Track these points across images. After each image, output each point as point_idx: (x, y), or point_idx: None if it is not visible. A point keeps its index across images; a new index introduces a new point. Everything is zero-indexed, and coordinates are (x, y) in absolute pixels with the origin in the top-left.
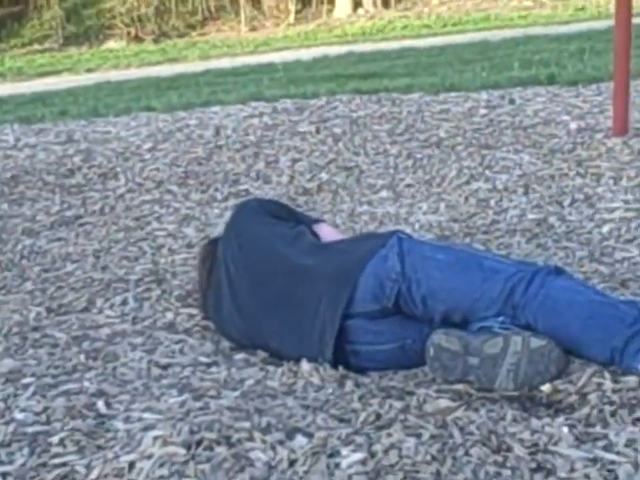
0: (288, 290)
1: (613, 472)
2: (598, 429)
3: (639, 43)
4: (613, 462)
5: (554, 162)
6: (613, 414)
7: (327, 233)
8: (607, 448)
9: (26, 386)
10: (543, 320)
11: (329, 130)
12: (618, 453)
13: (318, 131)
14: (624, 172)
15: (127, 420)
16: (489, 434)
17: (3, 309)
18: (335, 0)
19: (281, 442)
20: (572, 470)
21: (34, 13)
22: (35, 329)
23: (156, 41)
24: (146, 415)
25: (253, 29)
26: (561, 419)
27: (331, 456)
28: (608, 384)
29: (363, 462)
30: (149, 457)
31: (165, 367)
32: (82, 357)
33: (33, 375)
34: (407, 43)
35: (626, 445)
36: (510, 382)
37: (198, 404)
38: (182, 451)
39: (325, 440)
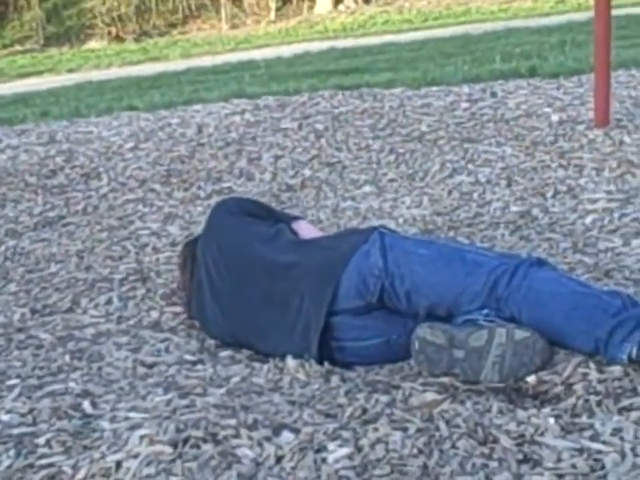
0: (269, 288)
1: (600, 461)
2: (584, 419)
3: (619, 34)
4: (600, 452)
5: (536, 154)
6: (599, 404)
7: (305, 230)
8: (593, 438)
9: (11, 387)
10: (527, 312)
11: (311, 126)
12: (604, 442)
13: (300, 127)
14: (606, 163)
15: (113, 420)
16: (475, 426)
17: None
18: None
19: (268, 438)
20: (559, 460)
21: (14, 14)
22: (20, 330)
23: (137, 40)
24: (132, 414)
25: (234, 27)
26: (547, 410)
27: (318, 451)
28: (593, 374)
29: (350, 457)
30: (136, 456)
31: (151, 366)
32: (67, 357)
33: (18, 376)
34: (388, 38)
35: (612, 434)
36: (495, 374)
37: (184, 402)
38: (169, 450)
39: (312, 436)
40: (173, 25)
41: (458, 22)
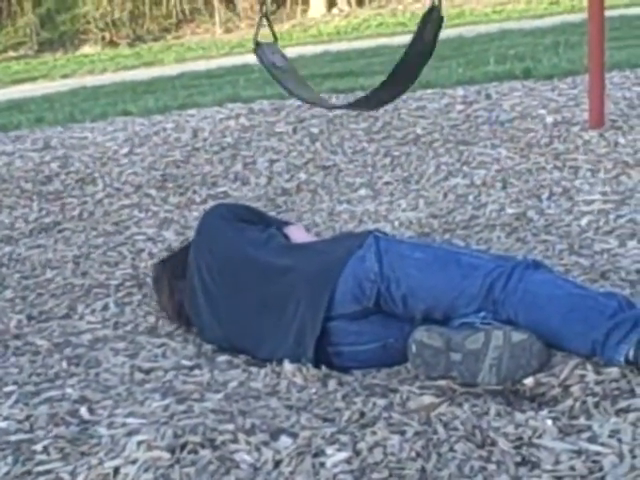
0: (264, 293)
1: (598, 463)
2: (582, 421)
3: (613, 35)
4: (598, 453)
5: (531, 156)
6: (596, 405)
7: (297, 234)
8: (591, 439)
9: (8, 394)
10: (524, 314)
11: (306, 130)
12: (602, 444)
13: (295, 131)
14: (601, 164)
15: (111, 426)
16: (473, 429)
17: None
18: (309, 0)
19: (266, 443)
20: (557, 462)
21: (8, 20)
22: (16, 337)
23: (131, 45)
24: (130, 420)
25: (228, 31)
26: (545, 412)
27: (316, 456)
28: (591, 376)
29: (348, 461)
30: (134, 462)
31: (148, 371)
32: (64, 364)
33: (15, 383)
34: (382, 41)
35: (610, 436)
36: (493, 377)
37: (182, 407)
38: (167, 455)
39: (310, 440)
40: (167, 30)
41: (452, 24)
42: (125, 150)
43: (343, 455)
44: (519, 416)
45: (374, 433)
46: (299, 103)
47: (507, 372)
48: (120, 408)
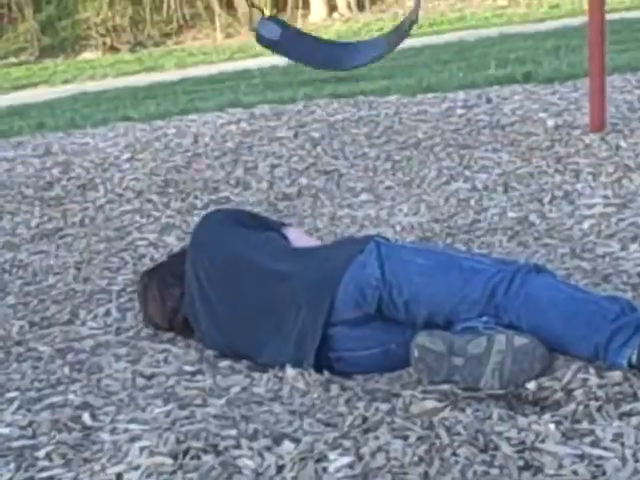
0: (264, 297)
1: (601, 467)
2: (585, 425)
3: (613, 39)
4: (601, 457)
5: (533, 160)
6: (599, 409)
7: (296, 236)
8: (594, 444)
9: (11, 400)
10: (526, 319)
11: (307, 135)
12: (605, 448)
13: (296, 136)
14: (602, 168)
15: (113, 431)
16: (476, 434)
17: None
18: (310, 4)
19: (268, 448)
20: (560, 467)
21: (9, 26)
22: (18, 343)
23: (132, 51)
24: (132, 426)
25: (228, 36)
26: (547, 416)
27: (319, 461)
28: (593, 380)
29: (351, 466)
30: (136, 468)
31: (150, 377)
32: (66, 370)
33: (17, 389)
34: None
35: (613, 440)
36: (495, 381)
37: (184, 413)
38: (169, 461)
39: (312, 445)
40: (168, 35)
41: (453, 29)
42: (126, 156)
43: (346, 460)
44: (522, 420)
45: (377, 438)
46: (300, 107)
47: (510, 376)
48: (122, 414)
